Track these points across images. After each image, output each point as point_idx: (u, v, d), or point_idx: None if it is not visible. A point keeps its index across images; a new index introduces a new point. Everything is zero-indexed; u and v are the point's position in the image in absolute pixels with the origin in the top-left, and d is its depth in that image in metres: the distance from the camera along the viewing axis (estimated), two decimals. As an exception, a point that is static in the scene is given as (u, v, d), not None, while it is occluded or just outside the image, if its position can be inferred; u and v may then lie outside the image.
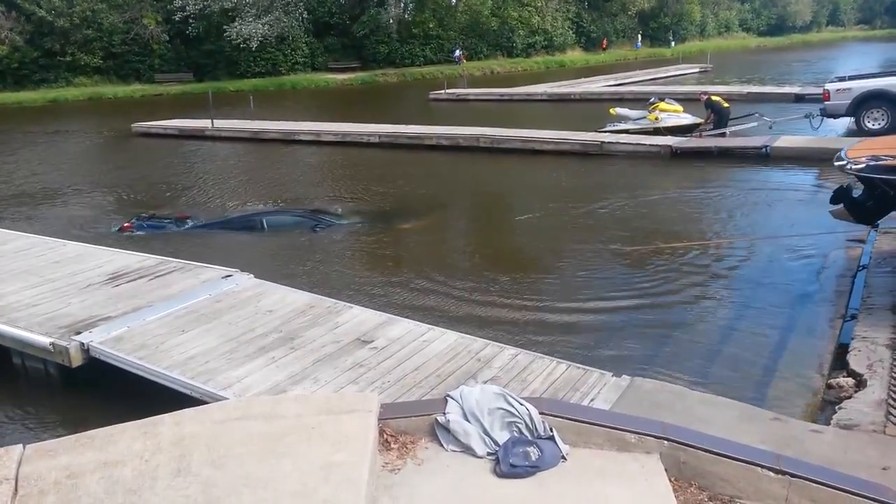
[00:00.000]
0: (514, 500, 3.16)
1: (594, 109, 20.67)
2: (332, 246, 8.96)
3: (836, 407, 4.32)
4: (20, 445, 3.19)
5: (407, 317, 5.71)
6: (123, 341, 5.16)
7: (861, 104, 14.42)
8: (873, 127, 14.21)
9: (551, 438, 3.47)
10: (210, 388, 4.45)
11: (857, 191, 6.67)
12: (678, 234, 8.74)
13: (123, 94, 34.42)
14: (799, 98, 21.01)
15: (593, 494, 3.20)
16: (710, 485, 3.30)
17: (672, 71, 34.92)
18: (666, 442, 3.42)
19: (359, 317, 5.55)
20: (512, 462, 3.30)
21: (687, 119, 15.27)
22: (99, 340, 5.15)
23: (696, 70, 36.02)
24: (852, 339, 5.19)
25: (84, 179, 14.35)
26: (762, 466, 3.23)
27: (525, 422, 3.53)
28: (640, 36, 56.51)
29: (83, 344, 5.11)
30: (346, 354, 4.88)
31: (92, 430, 3.30)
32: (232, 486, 2.90)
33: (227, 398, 4.25)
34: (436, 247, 8.99)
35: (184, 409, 3.51)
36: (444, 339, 5.09)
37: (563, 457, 3.41)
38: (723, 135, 14.54)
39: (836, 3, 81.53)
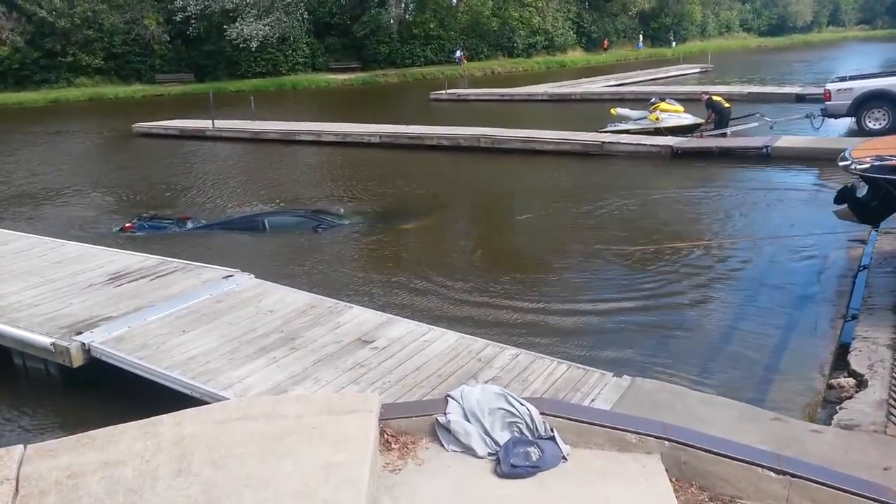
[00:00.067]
0: (514, 500, 3.16)
1: (595, 110, 20.68)
2: (333, 246, 8.96)
3: (837, 407, 4.32)
4: (21, 445, 3.19)
5: (408, 317, 5.71)
6: (124, 341, 5.16)
7: (862, 104, 14.41)
8: (874, 127, 14.20)
9: (552, 439, 3.47)
10: (211, 388, 4.45)
11: (861, 191, 6.65)
12: (679, 235, 8.74)
13: (124, 95, 34.43)
14: (800, 98, 21.02)
15: (594, 495, 3.20)
16: (711, 485, 3.30)
17: (673, 71, 34.90)
18: (666, 442, 3.42)
19: (359, 317, 5.55)
20: (513, 462, 3.30)
21: (688, 119, 15.27)
22: (100, 340, 5.15)
23: (697, 70, 36.01)
24: (853, 339, 5.19)
25: (85, 180, 14.36)
26: (763, 466, 3.23)
27: (526, 422, 3.53)
28: (641, 36, 56.49)
29: (84, 344, 5.12)
30: (347, 354, 4.88)
31: (93, 431, 3.30)
32: (233, 487, 2.90)
33: (228, 398, 4.25)
34: (437, 247, 8.99)
35: (185, 410, 3.51)
36: (444, 340, 5.09)
37: (564, 457, 3.41)
38: (724, 135, 14.54)
39: (837, 4, 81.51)
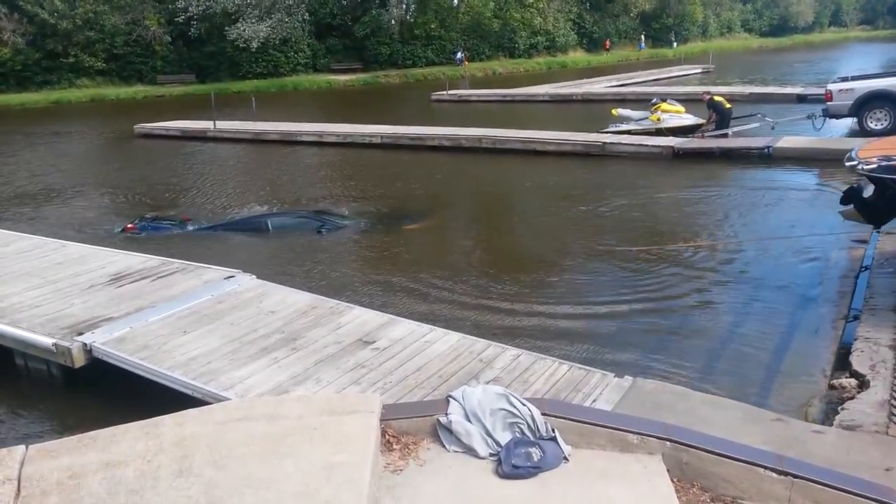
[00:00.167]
0: (516, 500, 3.15)
1: (596, 110, 20.69)
2: (336, 247, 8.96)
3: (839, 408, 4.31)
4: (23, 446, 3.20)
5: (410, 317, 5.71)
6: (126, 342, 5.17)
7: (863, 104, 14.39)
8: (876, 127, 14.19)
9: (553, 439, 3.47)
10: (212, 388, 4.45)
11: (868, 191, 6.63)
12: (681, 235, 8.74)
13: (126, 96, 34.49)
14: (801, 98, 20.99)
15: (595, 495, 3.20)
16: (713, 485, 3.30)
17: (674, 72, 34.89)
18: (668, 443, 3.42)
19: (361, 317, 5.56)
20: (514, 463, 3.30)
21: (689, 120, 15.26)
22: (101, 341, 5.16)
23: (699, 71, 35.99)
24: (855, 339, 5.18)
25: (86, 181, 14.37)
26: (765, 467, 3.22)
27: (527, 422, 3.53)
28: (643, 36, 56.50)
29: (86, 344, 5.12)
30: (348, 355, 4.88)
31: (94, 431, 3.31)
32: (234, 487, 2.90)
33: (230, 399, 4.25)
34: (439, 248, 8.99)
35: (186, 410, 3.51)
36: (446, 340, 5.09)
37: (566, 458, 3.40)
38: (725, 135, 14.53)
39: (839, 4, 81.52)
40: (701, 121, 15.10)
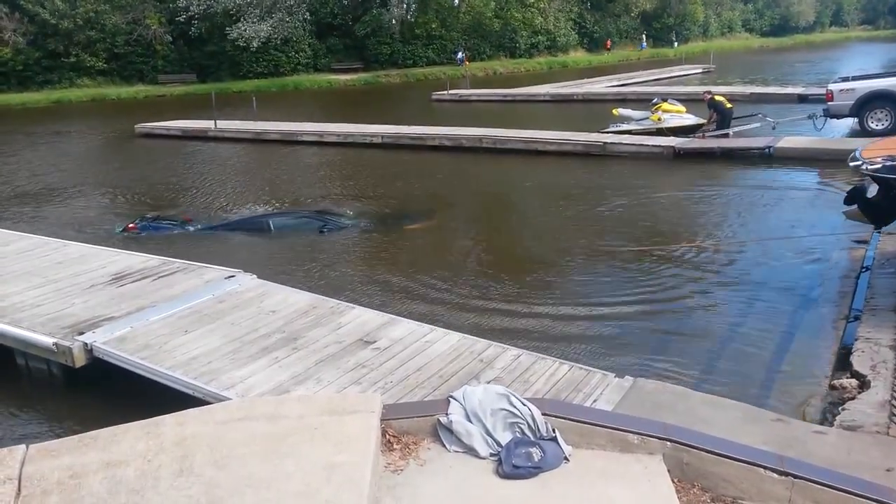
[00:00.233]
0: (516, 501, 3.15)
1: (597, 110, 20.69)
2: (337, 247, 8.95)
3: (840, 408, 4.31)
4: (23, 445, 3.20)
5: (411, 317, 5.71)
6: (127, 341, 5.17)
7: (864, 105, 14.38)
8: (877, 127, 14.17)
9: (554, 439, 3.47)
10: (213, 388, 4.45)
11: (872, 191, 6.62)
12: (681, 235, 8.74)
13: (127, 95, 34.51)
14: (802, 98, 20.97)
15: (596, 495, 3.20)
16: (713, 486, 3.30)
17: (675, 71, 34.87)
18: (669, 443, 3.42)
19: (361, 317, 5.56)
20: (514, 463, 3.30)
21: (690, 120, 15.26)
22: (102, 340, 5.16)
23: (699, 70, 35.97)
24: (856, 340, 5.18)
25: (87, 180, 14.38)
26: (765, 467, 3.22)
27: (527, 422, 3.53)
28: (644, 36, 56.50)
29: (86, 344, 5.12)
30: (349, 355, 4.88)
31: (95, 431, 3.31)
32: (235, 487, 2.90)
33: (230, 398, 4.26)
34: (440, 248, 8.98)
35: (187, 410, 3.52)
36: (446, 340, 5.09)
37: (566, 458, 3.40)
38: (726, 135, 14.52)
39: (840, 4, 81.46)
40: (702, 121, 15.09)
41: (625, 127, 15.66)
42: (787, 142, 13.21)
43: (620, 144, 14.16)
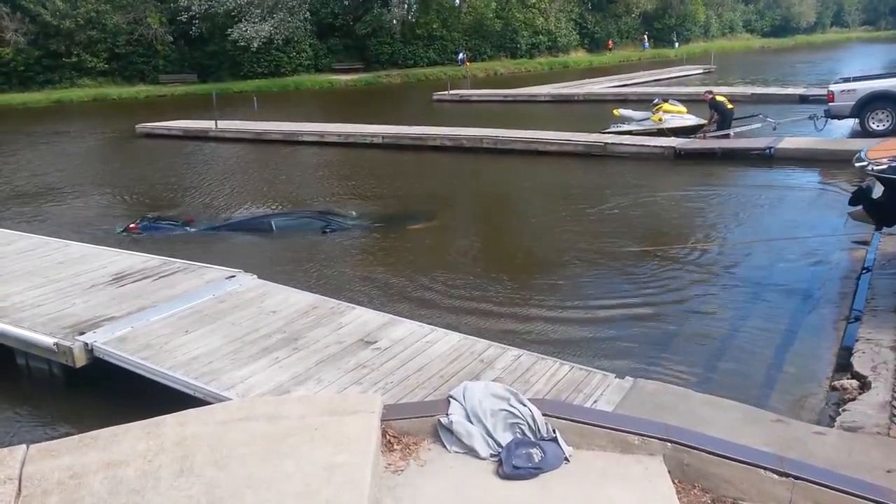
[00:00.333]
0: (516, 501, 3.15)
1: (598, 110, 20.69)
2: (340, 247, 8.94)
3: (840, 409, 4.31)
4: (24, 445, 3.20)
5: (414, 317, 5.71)
6: (127, 341, 5.17)
7: (865, 105, 14.36)
8: (878, 128, 14.16)
9: (554, 440, 3.47)
10: (213, 388, 4.45)
11: (877, 192, 6.60)
12: (682, 236, 8.74)
13: (128, 95, 34.53)
14: (803, 99, 20.97)
15: (596, 496, 3.20)
16: (714, 486, 3.30)
17: (676, 72, 34.88)
18: (669, 444, 3.42)
19: (362, 317, 5.56)
20: (515, 464, 3.30)
21: (691, 120, 15.25)
22: (103, 341, 5.16)
23: (700, 71, 35.97)
24: (856, 340, 5.18)
25: (88, 180, 14.39)
26: (766, 468, 3.22)
27: (528, 423, 3.53)
28: (646, 36, 56.51)
29: (87, 344, 5.12)
30: (350, 355, 4.88)
31: (95, 431, 3.31)
32: (235, 487, 2.90)
33: (231, 399, 4.26)
34: (443, 248, 8.97)
35: (187, 410, 3.52)
36: (447, 340, 5.09)
37: (566, 458, 3.40)
38: (727, 136, 14.52)
39: (841, 4, 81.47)
40: (703, 121, 15.08)
41: (625, 127, 15.66)
42: (788, 142, 13.21)
43: (621, 145, 14.16)
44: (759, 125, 14.97)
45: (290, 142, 18.01)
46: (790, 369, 5.18)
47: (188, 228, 9.91)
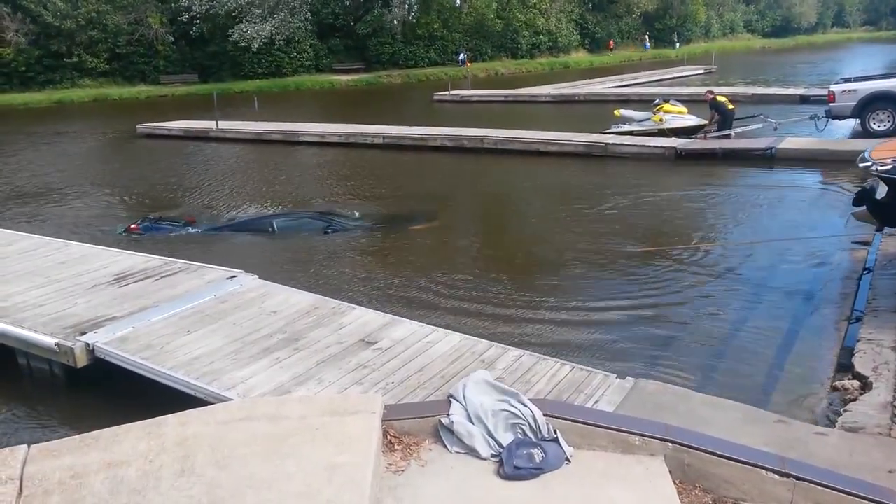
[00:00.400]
0: (517, 501, 3.15)
1: (598, 111, 20.68)
2: (341, 248, 8.93)
3: (842, 409, 4.31)
4: (25, 445, 3.20)
5: (415, 318, 5.71)
6: (128, 342, 5.17)
7: (866, 106, 14.35)
8: (878, 128, 14.15)
9: (555, 440, 3.47)
10: (214, 388, 4.46)
11: (881, 192, 6.59)
12: (683, 236, 8.73)
13: (129, 96, 34.55)
14: (804, 99, 20.96)
15: (597, 497, 3.20)
16: (715, 487, 3.30)
17: (677, 72, 34.87)
18: (670, 444, 3.42)
19: (363, 318, 5.56)
20: (516, 464, 3.30)
21: (691, 120, 15.25)
22: (104, 341, 5.16)
23: (701, 71, 35.95)
24: (857, 341, 5.18)
25: (88, 180, 14.39)
26: (767, 469, 3.22)
27: (529, 423, 3.53)
28: (647, 36, 56.51)
29: (88, 344, 5.13)
30: (351, 355, 4.88)
31: (96, 431, 3.31)
32: (236, 487, 2.90)
33: (232, 399, 4.26)
34: (443, 249, 8.97)
35: (188, 410, 3.52)
36: (448, 341, 5.09)
37: (567, 459, 3.40)
38: (728, 136, 14.52)
39: (842, 5, 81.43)
40: (703, 121, 15.08)
41: (626, 128, 15.66)
42: (789, 143, 13.20)
43: (622, 145, 14.16)
44: (759, 125, 14.97)
45: (291, 142, 18.02)
46: (791, 369, 5.17)
47: (189, 229, 9.90)
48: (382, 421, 3.50)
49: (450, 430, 3.54)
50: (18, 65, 33.61)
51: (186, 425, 3.32)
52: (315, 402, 3.80)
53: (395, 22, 41.59)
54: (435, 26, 43.78)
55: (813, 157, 12.44)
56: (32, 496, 2.88)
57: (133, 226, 9.94)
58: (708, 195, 10.86)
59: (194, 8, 35.66)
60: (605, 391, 4.34)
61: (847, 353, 5.14)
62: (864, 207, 6.78)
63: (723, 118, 14.73)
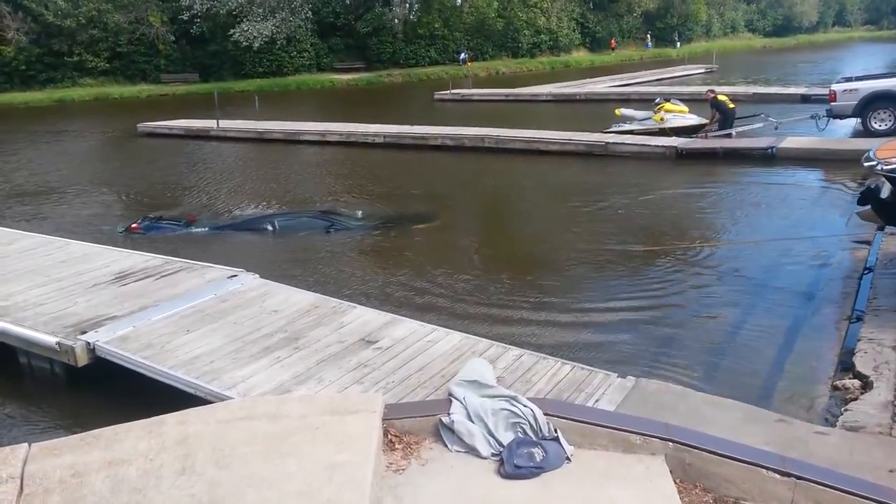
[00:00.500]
0: (518, 501, 3.15)
1: (599, 110, 20.67)
2: (342, 247, 8.92)
3: (842, 409, 4.31)
4: (26, 444, 3.21)
5: (415, 317, 5.71)
6: (129, 341, 5.17)
7: (867, 105, 14.33)
8: (880, 128, 14.14)
9: (556, 439, 3.47)
10: (215, 387, 4.46)
11: (885, 191, 6.57)
12: (684, 235, 8.73)
13: (129, 95, 34.54)
14: (805, 99, 20.94)
15: (598, 496, 3.20)
16: (715, 486, 3.30)
17: (677, 71, 34.85)
18: (671, 443, 3.42)
19: (363, 317, 5.56)
20: (516, 463, 3.30)
21: (692, 120, 15.24)
22: (105, 340, 5.16)
23: (702, 70, 35.94)
24: (858, 340, 5.18)
25: (89, 179, 14.39)
26: (767, 468, 3.22)
27: (529, 422, 3.53)
28: (649, 36, 56.48)
29: (89, 343, 5.13)
30: (351, 354, 4.88)
31: (97, 430, 3.31)
32: (236, 486, 2.90)
33: (232, 398, 4.26)
34: (444, 248, 8.96)
35: (189, 409, 3.52)
36: (448, 340, 5.09)
37: (568, 458, 3.40)
38: (728, 136, 14.51)
39: (843, 4, 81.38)
40: (704, 121, 15.07)
41: (627, 127, 15.65)
42: (790, 142, 13.19)
43: (623, 144, 14.15)
44: (760, 125, 14.96)
45: (292, 141, 18.01)
46: (792, 369, 5.17)
47: (190, 228, 9.90)
48: (383, 420, 3.50)
49: (450, 429, 3.54)
50: (19, 63, 33.61)
51: (187, 424, 3.32)
52: (315, 401, 3.80)
53: (396, 21, 41.57)
54: (436, 25, 43.76)
55: (814, 157, 12.43)
56: (33, 495, 2.88)
57: (134, 225, 9.93)
58: (709, 194, 10.86)
59: (195, 7, 35.65)
60: (606, 390, 4.34)
61: (848, 352, 5.14)
62: (868, 207, 6.76)
63: (724, 117, 14.72)
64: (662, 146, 13.70)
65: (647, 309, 6.47)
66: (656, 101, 16.16)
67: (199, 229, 9.87)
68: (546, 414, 3.58)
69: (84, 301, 5.99)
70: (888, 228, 7.53)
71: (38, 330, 5.39)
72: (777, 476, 3.19)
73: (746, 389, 4.81)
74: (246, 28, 35.98)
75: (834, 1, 79.39)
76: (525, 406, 3.61)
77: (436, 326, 5.40)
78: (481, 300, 6.81)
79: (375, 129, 17.70)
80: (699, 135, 14.69)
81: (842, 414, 4.22)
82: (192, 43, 38.29)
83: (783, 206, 9.97)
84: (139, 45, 36.65)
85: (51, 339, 5.20)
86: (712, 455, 3.33)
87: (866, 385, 4.51)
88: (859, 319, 5.71)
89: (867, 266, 7.08)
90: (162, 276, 6.59)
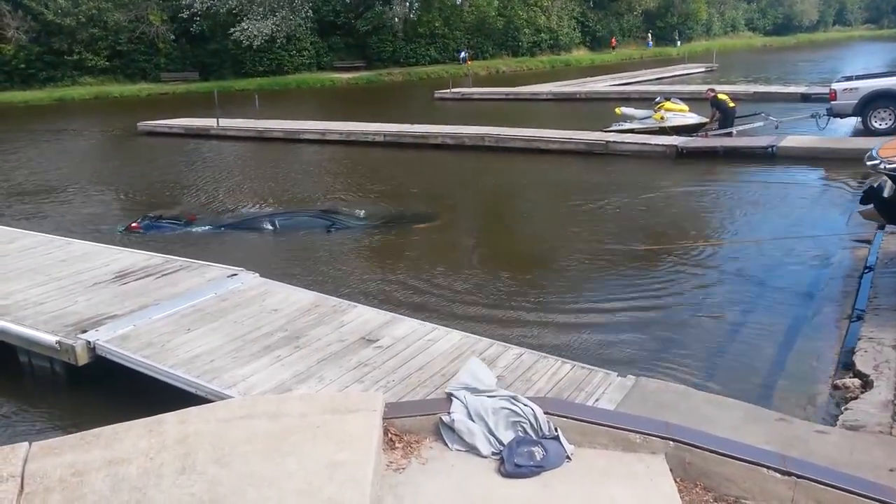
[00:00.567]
0: (518, 500, 3.15)
1: (600, 109, 20.65)
2: (342, 246, 8.92)
3: (843, 408, 4.31)
4: (26, 443, 3.21)
5: (416, 316, 5.71)
6: (129, 340, 5.17)
7: (868, 104, 14.33)
8: (880, 127, 14.13)
9: (556, 438, 3.47)
10: (215, 386, 4.46)
11: (888, 190, 6.57)
12: (684, 234, 8.72)
13: (129, 93, 34.52)
14: (805, 98, 20.93)
15: (598, 495, 3.20)
16: (716, 485, 3.30)
17: (678, 70, 34.84)
18: (671, 442, 3.42)
19: (364, 316, 5.56)
20: (517, 462, 3.30)
21: (693, 118, 15.24)
22: (105, 339, 5.16)
23: (702, 69, 35.93)
24: (859, 339, 5.18)
25: (89, 178, 14.39)
26: (768, 467, 3.22)
27: (530, 421, 3.53)
28: (650, 34, 56.47)
29: (89, 342, 5.13)
30: (351, 353, 4.88)
31: (97, 428, 3.31)
32: (237, 485, 2.90)
33: (232, 397, 4.26)
34: (445, 247, 8.96)
35: (189, 408, 3.52)
36: (448, 339, 5.09)
37: (568, 457, 3.41)
38: (729, 134, 14.50)
39: (843, 3, 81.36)
40: (705, 120, 15.06)
41: (627, 126, 15.64)
42: (791, 141, 13.18)
43: (623, 143, 14.14)
44: (761, 124, 14.96)
45: (292, 140, 18.01)
46: (792, 368, 5.17)
47: (190, 227, 9.89)
48: (383, 419, 3.50)
49: (451, 428, 3.54)
50: (19, 62, 33.59)
51: (187, 423, 3.32)
52: (316, 399, 3.80)
53: (397, 20, 41.54)
54: (436, 24, 43.73)
55: (814, 156, 12.44)
56: (33, 494, 2.88)
57: (134, 224, 9.92)
58: (709, 193, 10.85)
59: (195, 5, 35.64)
60: (606, 389, 4.34)
61: (848, 351, 5.14)
62: (871, 205, 6.76)
63: (724, 116, 14.72)
64: (663, 145, 13.70)
65: (647, 308, 6.47)
66: (657, 99, 16.15)
67: (199, 228, 9.86)
68: (546, 413, 3.58)
69: (84, 300, 5.99)
70: (888, 227, 7.53)
71: (38, 329, 5.39)
72: (777, 475, 3.19)
73: (747, 388, 4.81)
74: (246, 27, 35.97)
75: (834, 0, 79.35)
76: (525, 405, 3.61)
77: (436, 325, 5.40)
78: (481, 299, 6.81)
79: (375, 127, 17.69)
80: (699, 133, 14.68)
81: (842, 413, 4.22)
82: (192, 41, 38.26)
83: (783, 204, 9.97)
84: (139, 44, 36.63)
85: (51, 338, 5.20)
86: (713, 454, 3.33)
87: (866, 384, 4.51)
88: (860, 318, 5.71)
89: (867, 265, 7.07)
90: (162, 275, 6.59)
